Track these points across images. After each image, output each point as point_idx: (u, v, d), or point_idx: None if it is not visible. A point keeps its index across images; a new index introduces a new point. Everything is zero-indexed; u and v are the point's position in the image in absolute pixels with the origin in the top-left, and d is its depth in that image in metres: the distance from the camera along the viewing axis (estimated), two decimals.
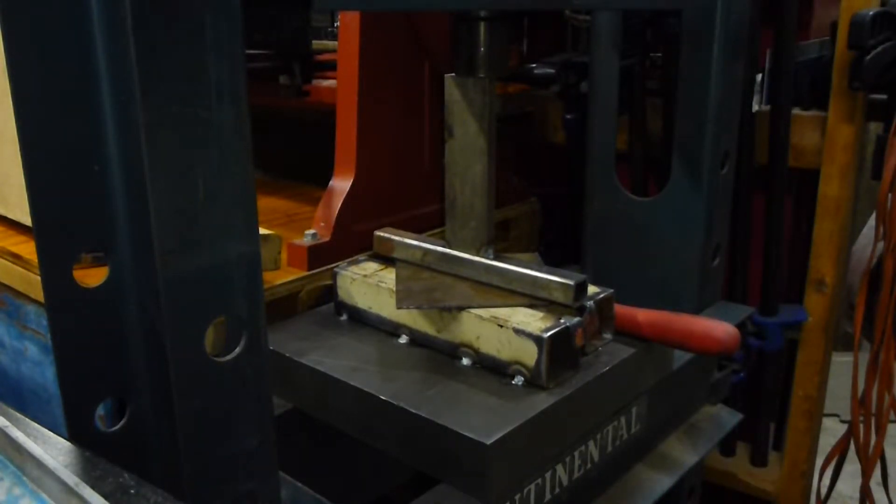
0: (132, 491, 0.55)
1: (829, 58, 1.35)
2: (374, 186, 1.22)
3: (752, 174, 1.46)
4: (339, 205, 1.18)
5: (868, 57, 1.24)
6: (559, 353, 0.86)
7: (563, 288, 0.90)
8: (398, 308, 0.95)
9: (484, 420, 0.79)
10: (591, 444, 0.93)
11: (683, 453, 1.13)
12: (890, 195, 1.38)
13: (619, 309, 0.97)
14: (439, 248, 1.02)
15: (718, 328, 0.93)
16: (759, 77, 1.41)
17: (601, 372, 0.90)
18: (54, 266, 0.60)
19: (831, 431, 1.93)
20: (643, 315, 0.97)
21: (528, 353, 0.85)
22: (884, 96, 1.32)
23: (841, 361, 1.69)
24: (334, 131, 1.22)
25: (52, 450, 0.60)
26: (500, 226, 1.43)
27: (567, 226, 1.65)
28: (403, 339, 0.99)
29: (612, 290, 0.96)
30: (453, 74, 0.95)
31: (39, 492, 0.55)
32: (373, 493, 1.13)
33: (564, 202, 1.66)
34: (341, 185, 1.20)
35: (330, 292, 1.08)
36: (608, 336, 0.96)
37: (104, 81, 0.58)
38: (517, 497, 0.84)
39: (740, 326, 1.10)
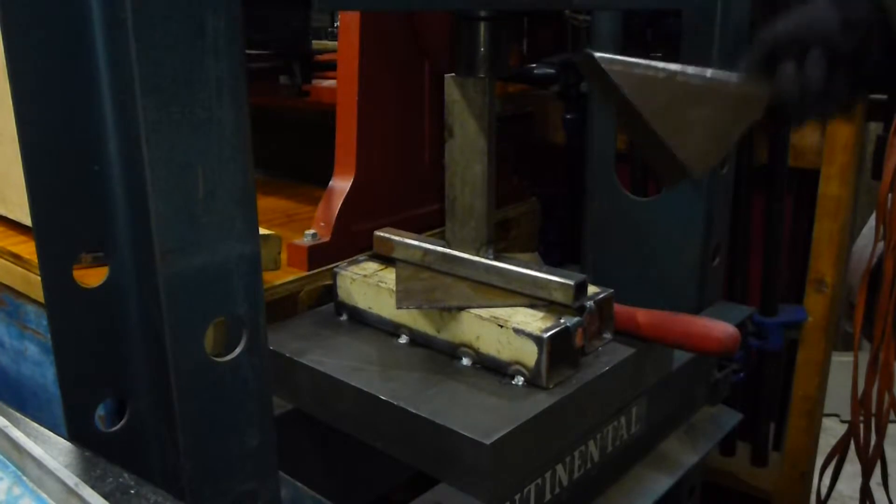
0: (132, 491, 0.55)
1: None
2: (374, 186, 1.22)
3: (752, 174, 1.46)
4: (339, 205, 1.18)
5: None
6: (559, 353, 0.86)
7: (563, 288, 0.90)
8: (398, 308, 0.95)
9: (484, 420, 0.79)
10: (591, 444, 0.93)
11: (683, 453, 1.13)
12: (890, 195, 1.37)
13: (619, 309, 0.97)
14: (439, 248, 1.02)
15: (718, 328, 0.93)
16: None
17: (601, 372, 0.90)
18: (54, 266, 0.61)
19: (831, 431, 1.94)
20: (643, 315, 0.97)
21: (528, 353, 0.85)
22: (884, 96, 1.32)
23: (841, 361, 1.69)
24: (334, 131, 1.22)
25: (52, 450, 0.60)
26: (500, 226, 1.43)
27: (567, 226, 1.65)
28: (403, 339, 0.98)
29: (612, 290, 0.96)
30: (453, 74, 0.95)
31: (39, 492, 0.55)
32: (373, 493, 1.13)
33: (564, 202, 1.66)
34: (341, 185, 1.20)
35: (330, 292, 1.08)
36: (608, 336, 0.96)
37: (104, 81, 0.58)
38: (517, 497, 0.84)
39: (740, 326, 1.10)
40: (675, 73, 0.77)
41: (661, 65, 0.77)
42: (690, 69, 0.78)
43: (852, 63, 0.70)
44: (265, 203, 1.49)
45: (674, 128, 0.76)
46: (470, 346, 0.92)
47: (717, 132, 0.77)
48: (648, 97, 0.76)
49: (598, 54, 0.77)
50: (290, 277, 1.11)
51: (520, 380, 0.87)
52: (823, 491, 1.57)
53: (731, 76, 0.78)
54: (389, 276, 1.02)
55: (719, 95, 0.77)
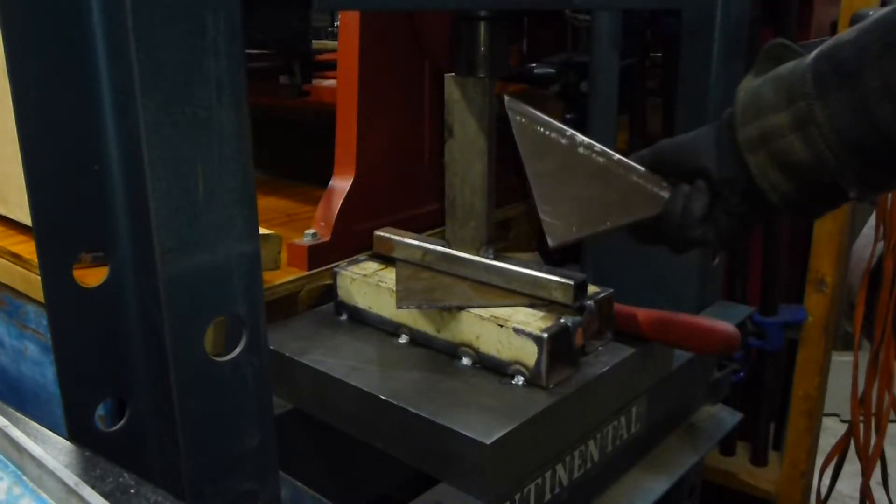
0: (132, 491, 0.55)
1: None
2: (374, 186, 1.22)
3: None
4: (339, 205, 1.18)
5: None
6: (559, 352, 0.86)
7: (563, 288, 0.90)
8: (398, 308, 0.95)
9: (484, 420, 0.79)
10: (591, 444, 0.93)
11: (683, 453, 1.13)
12: (890, 195, 1.38)
13: (619, 309, 0.97)
14: (439, 248, 1.02)
15: (718, 328, 0.93)
16: None
17: (601, 372, 0.90)
18: (54, 266, 0.60)
19: (831, 431, 1.94)
20: (643, 315, 0.97)
21: (528, 353, 0.85)
22: None
23: (841, 361, 1.69)
24: (334, 131, 1.22)
25: (52, 450, 0.60)
26: (500, 226, 1.43)
27: None
28: (403, 339, 0.99)
29: (612, 290, 0.96)
30: (453, 74, 0.95)
31: (39, 491, 0.55)
32: (373, 493, 1.13)
33: None
34: (341, 184, 1.20)
35: (330, 292, 1.08)
36: (608, 336, 0.96)
37: (104, 81, 0.59)
38: (517, 497, 0.84)
39: (740, 326, 1.10)
40: (578, 143, 0.77)
41: (570, 132, 0.77)
42: (599, 147, 0.77)
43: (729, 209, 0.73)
44: (265, 203, 1.49)
45: (551, 194, 0.76)
46: (470, 346, 0.92)
47: (593, 214, 0.77)
48: (539, 155, 0.77)
49: (509, 99, 0.78)
50: (290, 277, 1.11)
51: (520, 379, 0.87)
52: (823, 491, 1.57)
53: (636, 168, 0.78)
54: (389, 275, 1.02)
55: (614, 180, 0.77)
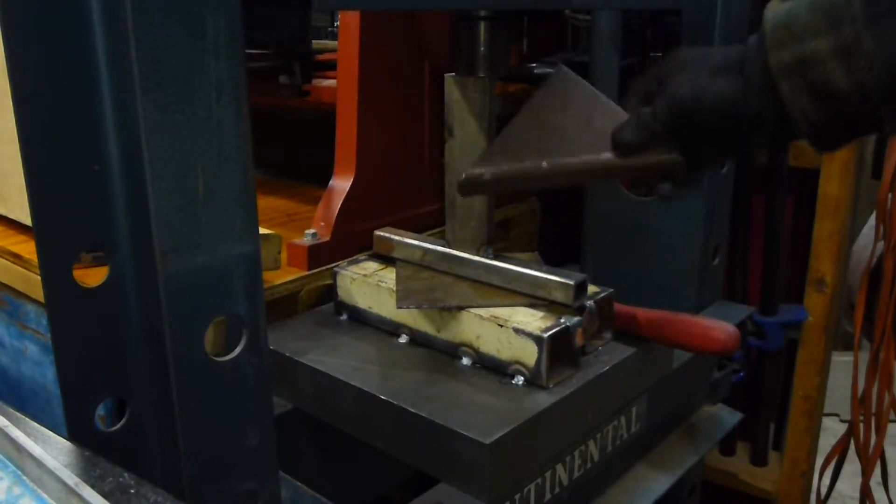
0: (132, 491, 0.55)
1: None
2: (374, 186, 1.22)
3: (752, 174, 1.46)
4: (339, 204, 1.18)
5: None
6: (559, 352, 0.86)
7: (563, 288, 0.90)
8: (398, 308, 0.95)
9: (484, 420, 0.79)
10: (591, 443, 0.93)
11: (683, 453, 1.13)
12: (890, 195, 1.38)
13: (619, 308, 0.97)
14: (439, 248, 1.02)
15: (718, 328, 0.93)
16: None
17: (601, 372, 0.90)
18: (54, 266, 0.60)
19: (831, 431, 1.94)
20: (643, 315, 0.97)
21: (528, 353, 0.85)
22: None
23: (841, 361, 1.69)
24: (334, 131, 1.22)
25: (52, 450, 0.60)
26: (500, 226, 1.43)
27: (567, 225, 1.65)
28: (403, 339, 0.99)
29: (612, 290, 0.96)
30: (453, 74, 0.95)
31: (39, 491, 0.55)
32: (373, 493, 1.13)
33: (564, 201, 1.66)
34: (341, 184, 1.20)
35: (330, 292, 1.08)
36: (608, 336, 0.96)
37: (104, 81, 0.59)
38: (517, 497, 0.84)
39: (740, 326, 1.10)
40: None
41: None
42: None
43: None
44: (265, 203, 1.49)
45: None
46: (470, 346, 0.92)
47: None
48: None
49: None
50: (290, 277, 1.11)
51: (520, 379, 0.87)
52: (823, 491, 1.57)
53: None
54: (389, 275, 1.02)
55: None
